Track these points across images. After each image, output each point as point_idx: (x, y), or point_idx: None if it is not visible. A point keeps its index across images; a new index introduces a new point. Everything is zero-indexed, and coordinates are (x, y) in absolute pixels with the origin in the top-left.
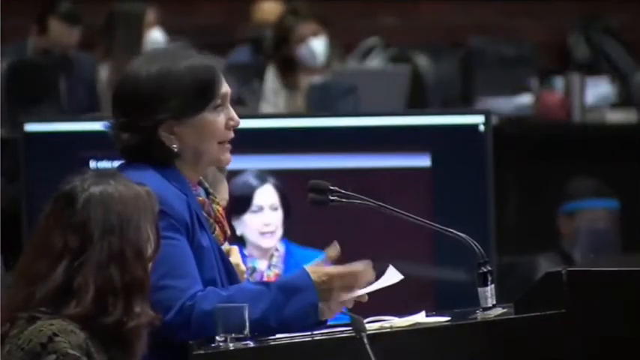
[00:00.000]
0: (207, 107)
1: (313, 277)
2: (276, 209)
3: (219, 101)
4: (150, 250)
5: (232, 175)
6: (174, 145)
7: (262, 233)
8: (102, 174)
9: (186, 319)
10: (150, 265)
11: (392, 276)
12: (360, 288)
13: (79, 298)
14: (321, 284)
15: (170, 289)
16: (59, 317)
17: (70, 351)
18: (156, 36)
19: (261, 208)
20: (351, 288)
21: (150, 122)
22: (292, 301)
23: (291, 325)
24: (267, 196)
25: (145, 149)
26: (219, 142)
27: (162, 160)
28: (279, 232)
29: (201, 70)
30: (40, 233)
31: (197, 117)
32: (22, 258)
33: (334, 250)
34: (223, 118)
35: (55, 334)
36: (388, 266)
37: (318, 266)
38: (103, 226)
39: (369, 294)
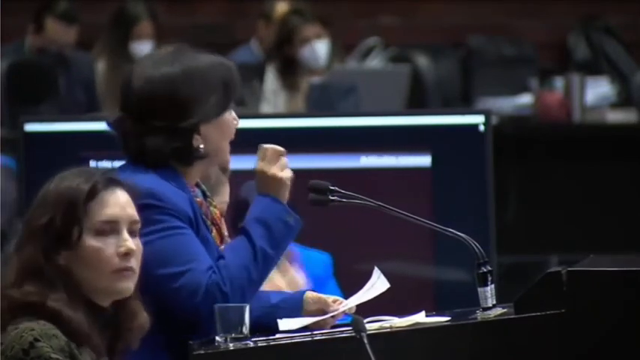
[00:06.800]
0: (229, 106)
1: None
2: None
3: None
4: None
5: (234, 175)
6: (202, 146)
7: None
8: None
9: (212, 296)
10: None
11: (379, 284)
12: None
13: None
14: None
15: (189, 272)
16: (37, 320)
17: (53, 355)
18: (142, 49)
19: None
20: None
21: (190, 125)
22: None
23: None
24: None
25: (172, 152)
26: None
27: (182, 162)
28: None
29: (224, 68)
30: None
31: (221, 117)
32: None
33: None
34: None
35: (37, 340)
36: (374, 269)
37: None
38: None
39: None
